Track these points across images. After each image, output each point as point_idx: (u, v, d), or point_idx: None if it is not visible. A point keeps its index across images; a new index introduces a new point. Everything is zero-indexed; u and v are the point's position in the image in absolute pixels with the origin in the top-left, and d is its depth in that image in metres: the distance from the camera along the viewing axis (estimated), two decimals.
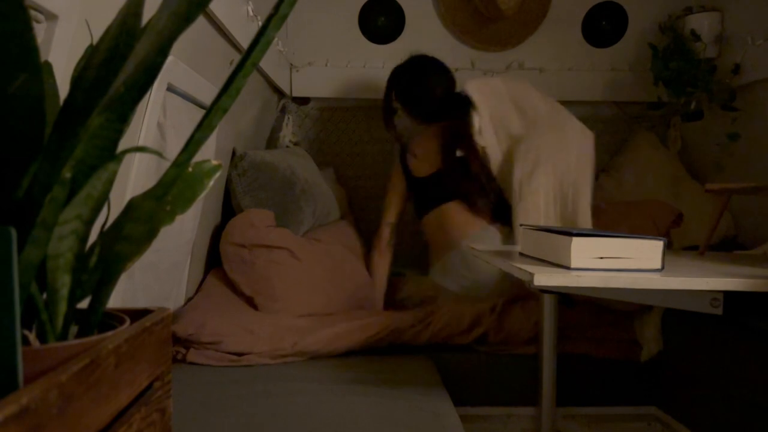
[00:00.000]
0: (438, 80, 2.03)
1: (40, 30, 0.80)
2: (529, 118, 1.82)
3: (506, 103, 1.84)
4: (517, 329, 1.61)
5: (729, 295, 0.91)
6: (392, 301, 1.96)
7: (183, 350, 1.40)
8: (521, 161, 1.75)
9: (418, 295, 1.93)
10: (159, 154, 0.47)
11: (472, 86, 1.84)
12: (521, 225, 1.30)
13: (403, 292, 2.00)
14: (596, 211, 1.78)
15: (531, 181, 1.72)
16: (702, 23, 2.12)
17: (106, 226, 0.51)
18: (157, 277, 1.37)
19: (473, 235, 1.82)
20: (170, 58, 1.19)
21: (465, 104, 1.84)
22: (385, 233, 2.01)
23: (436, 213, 1.93)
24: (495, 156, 1.81)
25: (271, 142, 2.35)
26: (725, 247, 2.03)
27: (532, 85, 1.93)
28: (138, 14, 0.48)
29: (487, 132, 1.80)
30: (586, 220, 1.72)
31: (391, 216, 2.04)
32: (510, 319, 1.63)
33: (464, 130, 1.84)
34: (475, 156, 1.85)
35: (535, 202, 1.70)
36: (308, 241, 1.84)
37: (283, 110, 2.34)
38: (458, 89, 1.99)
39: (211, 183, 0.53)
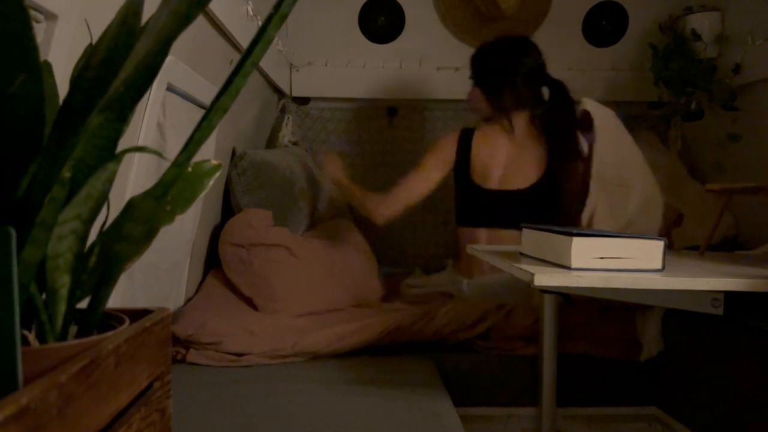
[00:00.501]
0: (525, 55, 1.77)
1: (39, 30, 0.80)
2: (627, 164, 1.55)
3: (613, 141, 1.57)
4: (521, 327, 1.61)
5: (729, 295, 0.91)
6: (396, 289, 1.95)
7: (183, 350, 1.40)
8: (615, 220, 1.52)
9: (431, 285, 1.91)
10: (159, 153, 0.47)
11: (594, 107, 1.59)
12: (521, 225, 1.30)
13: (413, 280, 1.99)
14: None
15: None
16: (702, 23, 2.12)
17: (106, 226, 0.51)
18: (157, 277, 1.37)
19: None
20: (170, 58, 1.19)
21: (562, 93, 1.64)
22: (397, 210, 1.78)
23: (489, 233, 1.77)
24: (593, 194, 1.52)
25: (271, 142, 2.35)
26: (725, 247, 2.03)
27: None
28: (138, 14, 0.48)
29: (605, 157, 1.51)
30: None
31: (414, 196, 1.79)
32: (515, 316, 1.63)
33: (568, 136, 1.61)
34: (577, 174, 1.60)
35: None
36: (306, 239, 1.84)
37: (283, 110, 2.34)
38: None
39: (211, 183, 0.53)
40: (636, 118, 2.47)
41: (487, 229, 1.80)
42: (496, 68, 1.81)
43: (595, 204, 1.51)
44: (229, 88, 0.48)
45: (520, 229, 1.47)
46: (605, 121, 1.58)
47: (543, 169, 1.77)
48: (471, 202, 1.86)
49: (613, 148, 1.54)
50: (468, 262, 1.84)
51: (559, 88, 1.76)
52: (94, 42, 0.50)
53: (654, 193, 1.55)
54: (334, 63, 2.35)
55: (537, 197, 1.77)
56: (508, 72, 1.78)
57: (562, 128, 1.72)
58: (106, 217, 0.52)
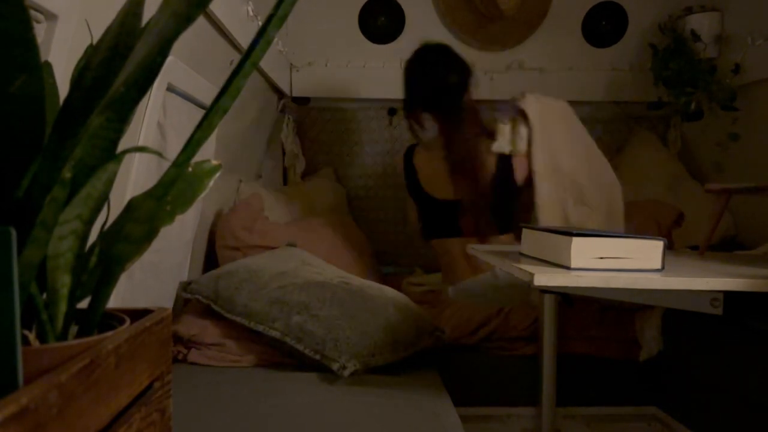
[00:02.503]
0: (445, 66, 1.83)
1: (40, 30, 0.80)
2: (580, 154, 1.68)
3: (560, 133, 1.69)
4: (521, 328, 1.62)
5: (729, 295, 0.91)
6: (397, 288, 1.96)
7: (184, 350, 1.40)
8: (574, 207, 1.64)
9: (431, 284, 1.93)
10: (159, 154, 0.47)
11: (531, 104, 1.69)
12: (521, 225, 1.30)
13: (414, 278, 2.00)
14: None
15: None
16: (702, 23, 2.12)
17: (107, 226, 0.51)
18: (158, 277, 1.37)
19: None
20: (170, 58, 1.19)
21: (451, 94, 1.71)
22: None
23: (457, 242, 1.80)
24: (544, 187, 1.65)
25: (271, 143, 2.35)
26: (725, 247, 2.03)
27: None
28: (138, 14, 0.48)
29: (539, 158, 1.64)
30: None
31: (415, 220, 1.93)
32: (515, 317, 1.63)
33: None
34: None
35: None
36: (300, 230, 1.85)
37: (284, 110, 2.35)
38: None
39: (211, 183, 0.53)
40: (636, 119, 2.47)
41: (457, 238, 1.83)
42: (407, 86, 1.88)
43: (545, 194, 1.62)
44: (229, 88, 0.48)
45: (484, 234, 1.65)
46: (547, 114, 1.68)
47: (489, 170, 1.79)
48: (431, 215, 1.89)
49: (548, 141, 1.67)
50: (448, 271, 1.87)
51: (449, 88, 1.81)
52: (94, 42, 0.50)
53: (607, 178, 1.69)
54: (334, 63, 2.36)
55: (489, 198, 1.79)
56: (415, 87, 1.87)
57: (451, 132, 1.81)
58: (107, 218, 0.53)
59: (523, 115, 1.70)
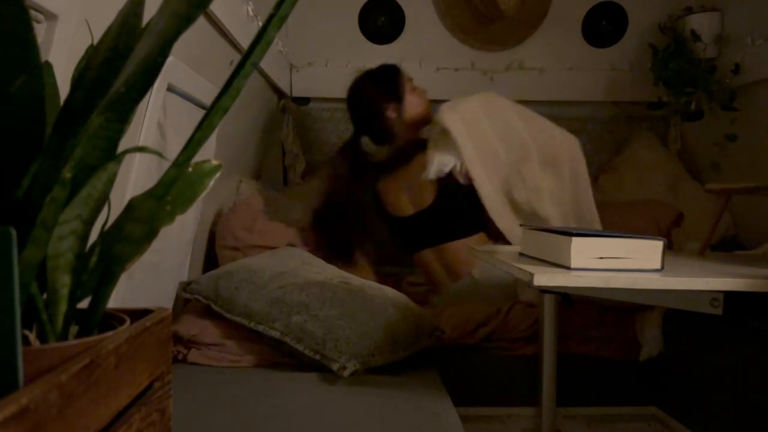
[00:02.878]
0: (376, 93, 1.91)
1: (40, 30, 0.80)
2: (514, 142, 1.73)
3: (487, 130, 1.73)
4: (521, 328, 1.62)
5: (729, 296, 0.91)
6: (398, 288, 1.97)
7: (184, 350, 1.40)
8: (522, 192, 1.70)
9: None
10: (159, 154, 0.47)
11: (449, 118, 1.70)
12: (521, 225, 1.30)
13: (415, 278, 2.02)
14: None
15: (538, 212, 1.68)
16: (702, 23, 2.12)
17: (107, 226, 0.51)
18: (158, 277, 1.37)
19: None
20: (170, 59, 1.19)
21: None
22: None
23: (434, 251, 1.85)
24: (486, 189, 1.70)
25: (271, 143, 2.35)
26: (725, 247, 2.03)
27: (502, 97, 1.85)
28: (138, 14, 0.49)
29: (475, 166, 1.70)
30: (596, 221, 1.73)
31: None
32: (515, 317, 1.63)
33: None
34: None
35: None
36: (300, 230, 1.85)
37: (284, 110, 2.35)
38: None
39: (212, 183, 0.53)
40: (636, 119, 2.47)
41: (430, 249, 1.87)
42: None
43: (489, 197, 1.68)
44: (229, 88, 0.48)
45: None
46: (469, 117, 1.71)
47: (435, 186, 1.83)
48: (400, 233, 1.93)
49: (477, 144, 1.70)
50: (429, 281, 1.91)
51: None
52: (95, 42, 0.50)
53: (564, 133, 1.75)
54: (334, 63, 2.36)
55: (440, 211, 1.84)
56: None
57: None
58: (107, 218, 0.53)
59: (445, 132, 1.73)
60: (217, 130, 0.50)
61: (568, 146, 1.76)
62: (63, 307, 0.47)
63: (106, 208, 0.51)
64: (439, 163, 1.73)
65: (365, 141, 1.97)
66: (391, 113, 1.87)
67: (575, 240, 0.97)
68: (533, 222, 1.67)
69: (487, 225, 1.78)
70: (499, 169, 1.71)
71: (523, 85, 2.38)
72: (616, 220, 1.80)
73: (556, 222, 1.68)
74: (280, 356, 1.38)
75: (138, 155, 1.13)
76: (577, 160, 1.75)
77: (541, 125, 1.78)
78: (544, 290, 1.30)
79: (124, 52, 0.46)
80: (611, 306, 1.65)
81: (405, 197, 1.87)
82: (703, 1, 2.17)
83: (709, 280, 0.92)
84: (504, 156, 1.71)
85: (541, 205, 1.68)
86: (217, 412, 1.09)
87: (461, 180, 1.76)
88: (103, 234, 0.51)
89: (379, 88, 1.90)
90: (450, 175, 1.77)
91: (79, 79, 0.47)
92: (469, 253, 1.50)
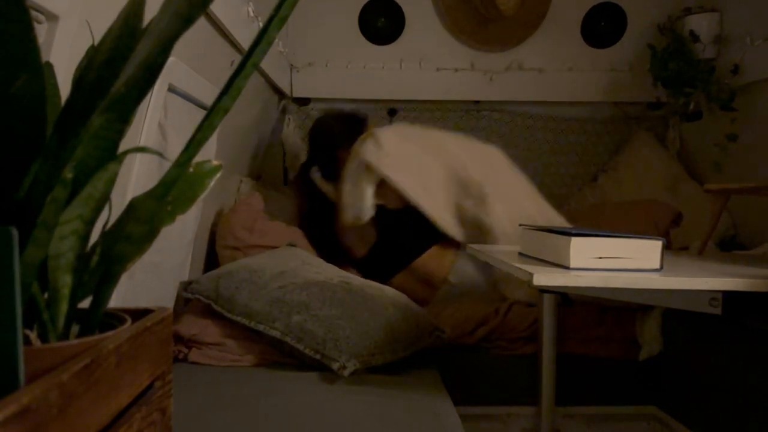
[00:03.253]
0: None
1: (41, 30, 0.80)
2: (448, 156, 1.78)
3: (417, 151, 1.79)
4: (521, 328, 1.62)
5: (729, 295, 0.92)
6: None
7: (185, 350, 1.40)
8: (468, 200, 1.74)
9: None
10: (160, 154, 0.47)
11: (369, 151, 1.75)
12: (520, 225, 1.30)
13: None
14: (593, 210, 1.77)
15: (489, 215, 1.71)
16: (701, 24, 2.12)
17: (108, 226, 0.52)
18: (158, 277, 1.37)
19: (457, 265, 1.79)
20: (171, 59, 1.19)
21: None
22: None
23: (404, 274, 1.85)
24: (426, 204, 1.75)
25: (272, 143, 2.35)
26: (725, 247, 2.03)
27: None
28: (139, 15, 0.49)
29: (411, 188, 1.75)
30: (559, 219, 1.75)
31: None
32: (515, 317, 1.64)
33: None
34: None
35: (504, 229, 1.69)
36: (300, 230, 1.85)
37: (284, 111, 2.35)
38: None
39: (212, 183, 0.53)
40: (635, 119, 2.47)
41: (400, 273, 1.86)
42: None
43: (435, 214, 1.73)
44: (230, 89, 0.48)
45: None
46: (395, 148, 1.77)
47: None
48: (364, 271, 1.92)
49: (408, 171, 1.76)
50: (416, 300, 1.90)
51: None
52: (95, 43, 0.50)
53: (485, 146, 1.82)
54: (334, 64, 2.36)
55: (389, 240, 1.87)
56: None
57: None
58: (108, 218, 0.53)
59: (368, 168, 1.76)
60: (217, 130, 0.50)
61: (495, 153, 1.83)
62: (64, 307, 0.47)
63: (107, 208, 0.51)
64: (366, 201, 1.77)
65: (314, 170, 2.01)
66: (343, 155, 1.89)
67: (574, 240, 0.97)
68: (481, 227, 1.71)
69: (440, 234, 1.80)
70: (439, 183, 1.76)
71: (523, 85, 2.38)
72: (616, 220, 1.80)
73: (503, 225, 1.69)
74: (281, 356, 1.38)
75: (139, 155, 1.13)
76: (509, 164, 1.82)
77: (461, 140, 1.87)
78: (543, 290, 1.30)
79: (125, 52, 0.47)
80: (611, 306, 1.65)
81: (353, 239, 1.89)
82: (702, 1, 2.17)
83: (708, 279, 0.92)
84: (442, 171, 1.76)
85: (486, 209, 1.71)
86: (218, 412, 1.09)
87: (395, 205, 1.79)
88: (104, 234, 0.51)
89: (342, 128, 1.97)
90: (382, 205, 1.81)
91: (80, 80, 0.47)
92: (440, 259, 1.58)
